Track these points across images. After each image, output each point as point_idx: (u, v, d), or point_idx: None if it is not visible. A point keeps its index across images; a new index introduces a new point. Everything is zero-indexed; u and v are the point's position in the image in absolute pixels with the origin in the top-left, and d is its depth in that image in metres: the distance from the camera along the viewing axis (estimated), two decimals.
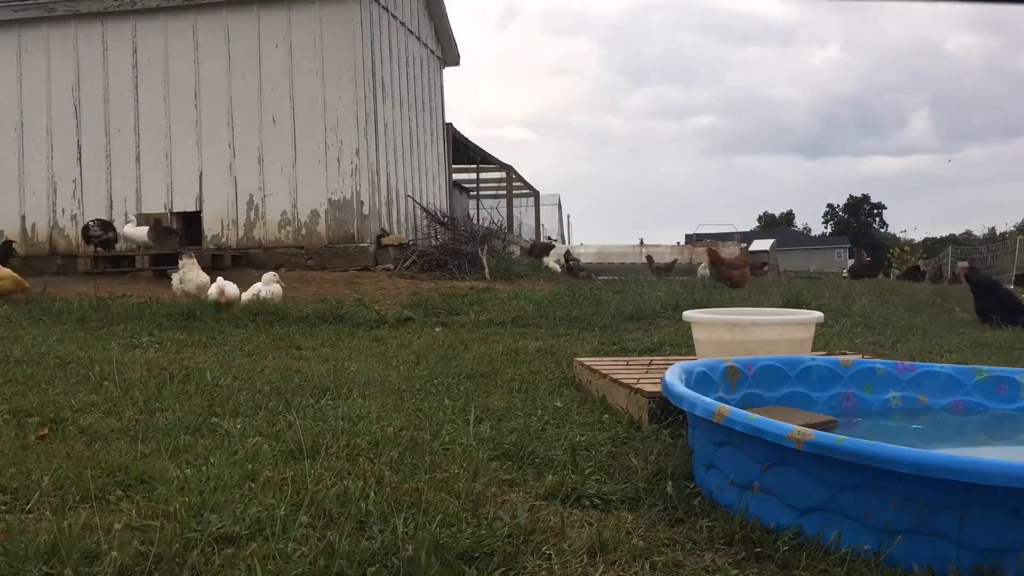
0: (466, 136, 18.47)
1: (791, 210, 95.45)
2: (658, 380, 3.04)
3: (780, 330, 3.70)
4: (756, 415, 2.12)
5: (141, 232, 10.92)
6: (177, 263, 9.82)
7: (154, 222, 11.14)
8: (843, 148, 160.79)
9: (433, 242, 12.98)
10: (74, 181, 12.19)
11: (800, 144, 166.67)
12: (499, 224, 19.30)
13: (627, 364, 4.03)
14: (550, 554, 1.90)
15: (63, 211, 12.22)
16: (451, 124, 16.73)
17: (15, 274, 8.57)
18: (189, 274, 8.23)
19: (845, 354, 4.01)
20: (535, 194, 26.08)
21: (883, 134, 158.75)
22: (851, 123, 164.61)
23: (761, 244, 27.66)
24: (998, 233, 57.89)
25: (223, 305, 7.51)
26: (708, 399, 2.28)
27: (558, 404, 3.57)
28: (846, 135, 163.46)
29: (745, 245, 28.14)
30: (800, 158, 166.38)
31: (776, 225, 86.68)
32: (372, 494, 2.20)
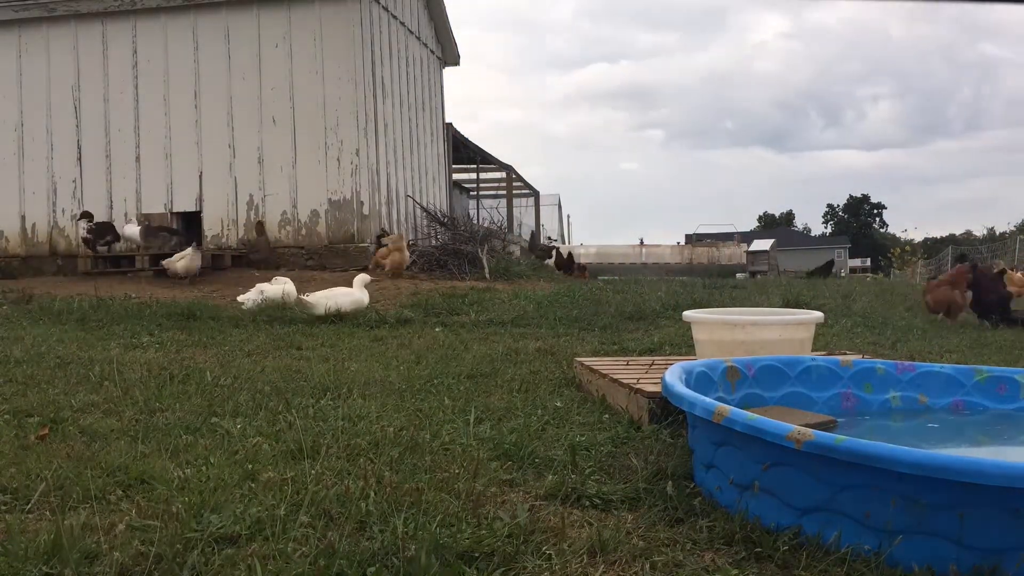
0: (465, 136, 18.47)
1: (791, 210, 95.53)
2: (658, 380, 3.04)
3: (780, 330, 3.70)
4: (756, 415, 2.12)
5: (136, 231, 10.92)
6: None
7: (145, 222, 11.13)
8: (808, 142, 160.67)
9: (433, 242, 12.98)
10: (74, 181, 12.19)
11: (764, 137, 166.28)
12: (499, 224, 19.30)
13: (627, 364, 4.03)
14: (550, 554, 1.90)
15: (63, 211, 12.22)
16: (451, 124, 16.73)
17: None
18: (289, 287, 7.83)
19: (845, 354, 4.01)
20: (535, 194, 26.09)
21: (847, 126, 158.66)
22: (812, 115, 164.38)
23: (761, 244, 27.64)
24: (998, 233, 57.98)
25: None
26: (708, 399, 2.28)
27: (558, 404, 3.57)
28: (809, 127, 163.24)
29: (746, 245, 28.15)
30: (769, 151, 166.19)
31: (776, 225, 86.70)
32: (372, 494, 2.20)
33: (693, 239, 37.89)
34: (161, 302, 8.16)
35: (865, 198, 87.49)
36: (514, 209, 23.67)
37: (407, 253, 10.62)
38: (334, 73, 11.54)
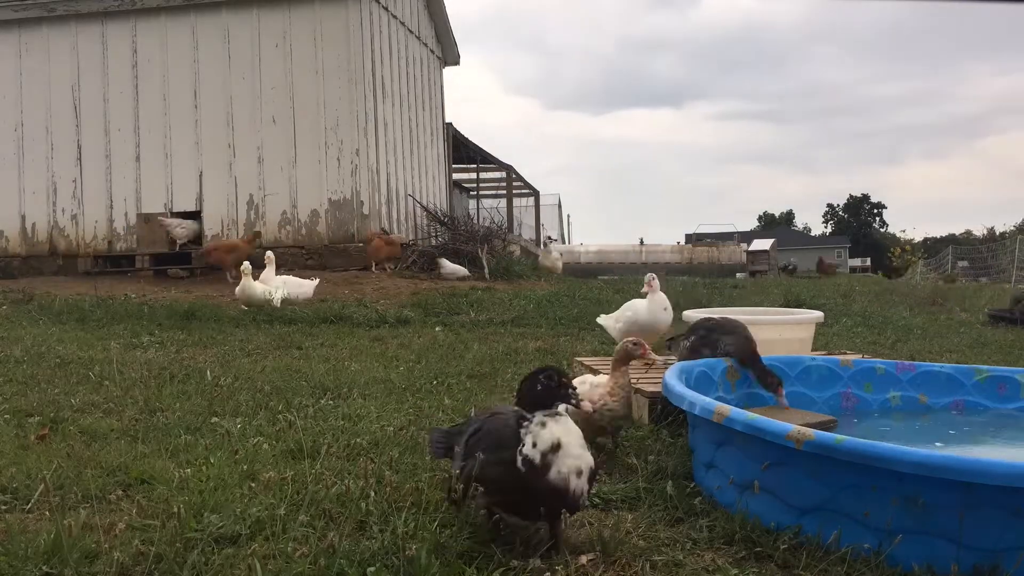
0: (465, 135, 18.46)
1: (791, 210, 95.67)
2: (658, 380, 3.04)
3: (780, 330, 3.70)
4: (756, 415, 2.12)
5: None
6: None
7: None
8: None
9: (433, 242, 12.97)
10: (74, 181, 12.19)
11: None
12: (499, 224, 19.29)
13: None
14: (550, 554, 1.90)
15: (63, 211, 12.22)
16: (451, 124, 16.72)
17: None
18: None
19: (845, 354, 4.01)
20: (535, 194, 26.07)
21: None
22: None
23: (761, 244, 27.65)
24: (997, 233, 58.03)
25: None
26: (708, 399, 2.28)
27: None
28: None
29: (746, 245, 28.15)
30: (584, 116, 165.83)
31: (776, 225, 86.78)
32: (372, 494, 2.19)
33: (693, 239, 37.91)
34: (161, 302, 8.16)
35: (865, 197, 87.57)
36: (514, 209, 23.64)
37: None
38: (334, 72, 11.54)
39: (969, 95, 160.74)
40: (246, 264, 7.65)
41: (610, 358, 4.54)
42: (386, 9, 12.75)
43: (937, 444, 2.79)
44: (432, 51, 15.28)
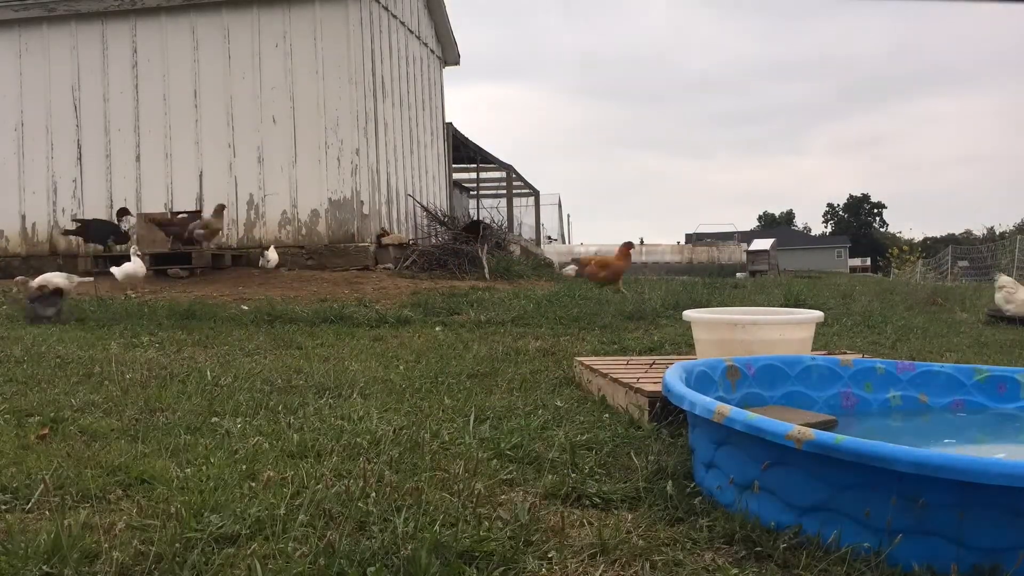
0: (465, 135, 18.48)
1: (791, 209, 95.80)
2: (658, 379, 3.04)
3: (780, 329, 3.70)
4: (756, 415, 2.12)
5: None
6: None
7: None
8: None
9: (433, 241, 12.98)
10: (74, 181, 12.20)
11: None
12: (499, 224, 19.30)
13: (627, 364, 4.03)
14: (550, 554, 1.90)
15: (63, 211, 12.22)
16: (451, 123, 16.73)
17: None
18: None
19: (845, 353, 4.01)
20: (535, 193, 26.08)
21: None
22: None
23: (761, 244, 27.66)
24: (997, 233, 58.05)
25: None
26: (708, 399, 2.28)
27: (559, 403, 3.57)
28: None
29: (746, 245, 28.16)
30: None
31: (776, 224, 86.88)
32: (372, 494, 2.19)
33: (693, 239, 37.92)
34: (161, 302, 8.17)
35: (865, 197, 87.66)
36: (514, 209, 23.66)
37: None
38: (334, 72, 11.55)
39: (834, 71, 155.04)
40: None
41: (609, 358, 4.56)
42: (386, 9, 12.76)
43: (947, 441, 2.80)
44: (432, 51, 15.29)
